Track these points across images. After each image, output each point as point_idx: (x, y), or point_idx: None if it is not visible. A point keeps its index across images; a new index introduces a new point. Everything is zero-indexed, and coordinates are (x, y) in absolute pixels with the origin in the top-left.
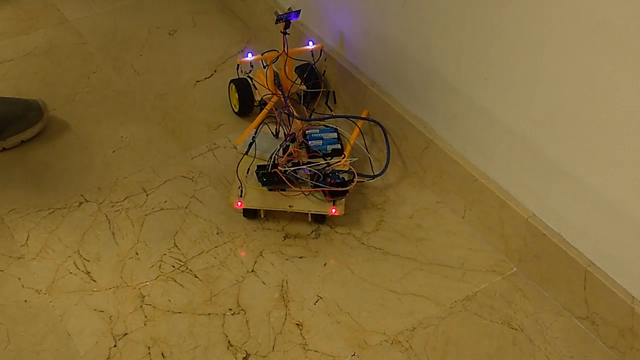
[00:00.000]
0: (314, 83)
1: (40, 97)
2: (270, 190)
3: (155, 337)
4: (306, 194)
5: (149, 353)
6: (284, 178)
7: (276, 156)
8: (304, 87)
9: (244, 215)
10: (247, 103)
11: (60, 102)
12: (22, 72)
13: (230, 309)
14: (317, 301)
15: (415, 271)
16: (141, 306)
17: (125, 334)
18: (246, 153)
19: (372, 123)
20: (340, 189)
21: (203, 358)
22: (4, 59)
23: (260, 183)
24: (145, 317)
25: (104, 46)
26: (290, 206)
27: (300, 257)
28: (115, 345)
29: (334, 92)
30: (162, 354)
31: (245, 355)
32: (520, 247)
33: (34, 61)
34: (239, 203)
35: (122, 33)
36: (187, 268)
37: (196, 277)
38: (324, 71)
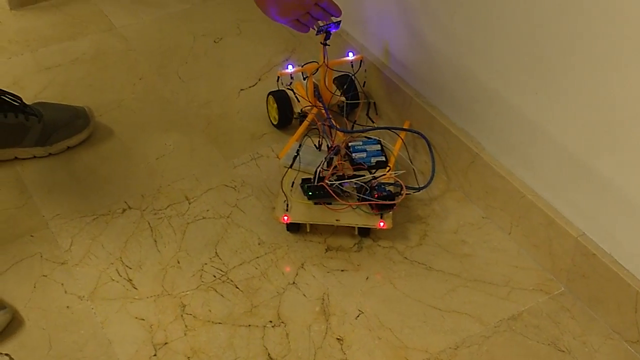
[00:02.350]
0: (353, 94)
1: (87, 103)
2: (316, 204)
3: (195, 348)
4: (354, 207)
5: None
6: (331, 191)
7: (321, 169)
8: (343, 99)
9: (287, 230)
10: (286, 115)
11: (106, 108)
12: (69, 78)
13: (270, 321)
14: (358, 316)
15: (459, 288)
16: (182, 315)
17: (166, 343)
18: (290, 166)
19: (414, 134)
20: (388, 202)
21: None
22: (52, 65)
23: (306, 197)
24: (186, 326)
25: (150, 53)
26: (337, 220)
27: (342, 270)
28: (155, 354)
29: (374, 103)
30: None
31: None
32: (568, 266)
33: (81, 67)
34: (286, 217)
35: (168, 40)
36: (227, 278)
37: (237, 287)
38: (364, 82)
